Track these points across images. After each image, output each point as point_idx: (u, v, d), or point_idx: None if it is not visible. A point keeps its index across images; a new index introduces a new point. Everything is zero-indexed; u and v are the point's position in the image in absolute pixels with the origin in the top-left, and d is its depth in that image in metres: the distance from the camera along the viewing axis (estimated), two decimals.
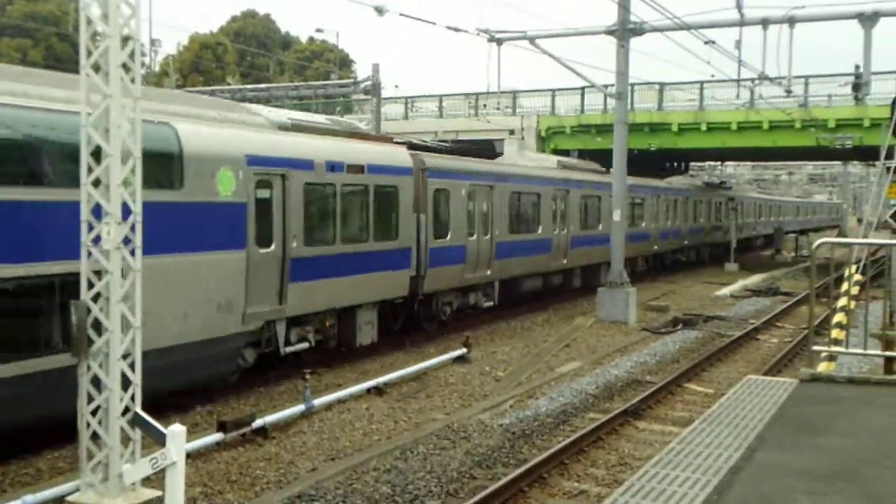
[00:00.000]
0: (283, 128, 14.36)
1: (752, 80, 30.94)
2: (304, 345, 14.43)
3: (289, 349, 13.98)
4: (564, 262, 24.74)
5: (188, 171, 11.55)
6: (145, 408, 8.09)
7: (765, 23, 22.18)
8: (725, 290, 29.86)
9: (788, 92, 28.17)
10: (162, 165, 11.03)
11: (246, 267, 12.56)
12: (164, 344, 10.80)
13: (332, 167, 14.74)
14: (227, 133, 12.59)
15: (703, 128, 35.64)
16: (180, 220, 11.39)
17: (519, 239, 21.72)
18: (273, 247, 13.25)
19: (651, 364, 16.41)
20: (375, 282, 16.00)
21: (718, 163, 60.15)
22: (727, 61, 24.49)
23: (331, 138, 15.39)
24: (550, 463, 10.06)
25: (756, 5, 22.58)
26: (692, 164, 52.77)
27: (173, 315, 11.15)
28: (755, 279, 34.26)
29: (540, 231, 23.10)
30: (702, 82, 36.19)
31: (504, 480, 9.21)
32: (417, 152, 18.59)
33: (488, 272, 20.25)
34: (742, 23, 22.39)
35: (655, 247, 33.89)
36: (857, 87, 33.25)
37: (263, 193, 13.13)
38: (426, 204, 17.73)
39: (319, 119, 16.85)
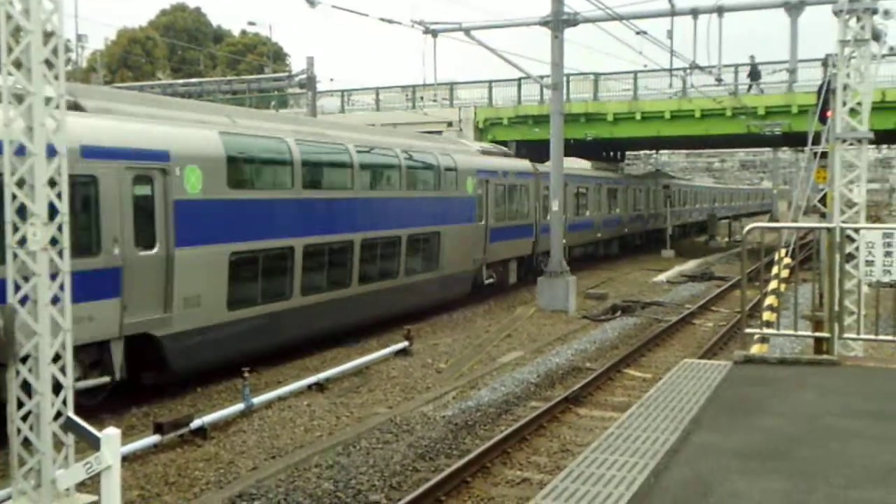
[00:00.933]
0: (483, 152, 24.57)
1: (684, 69, 31.47)
2: (491, 280, 23.81)
3: (486, 282, 23.40)
4: None
5: (459, 180, 21.33)
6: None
7: (695, 12, 22.55)
8: (662, 277, 30.39)
9: (719, 80, 28.73)
10: (450, 178, 20.73)
11: (474, 231, 22.11)
12: (451, 272, 20.76)
13: (505, 174, 24.37)
14: (467, 157, 22.46)
15: (638, 117, 36.11)
16: (454, 206, 21.07)
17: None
18: (483, 221, 22.63)
19: (591, 351, 16.62)
20: (518, 244, 25.36)
21: (653, 151, 61.12)
22: (660, 51, 24.87)
23: (496, 157, 25.01)
24: (493, 452, 10.12)
25: None
26: (627, 153, 53.49)
27: (454, 258, 20.81)
28: (691, 265, 34.96)
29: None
30: (635, 72, 36.65)
31: (447, 472, 9.23)
32: (534, 163, 27.35)
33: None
34: (673, 13, 22.73)
35: (598, 234, 34.56)
36: (753, 76, 34.37)
37: (480, 191, 22.39)
38: (539, 196, 26.67)
39: (488, 146, 27.06)
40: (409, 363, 15.29)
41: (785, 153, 71.38)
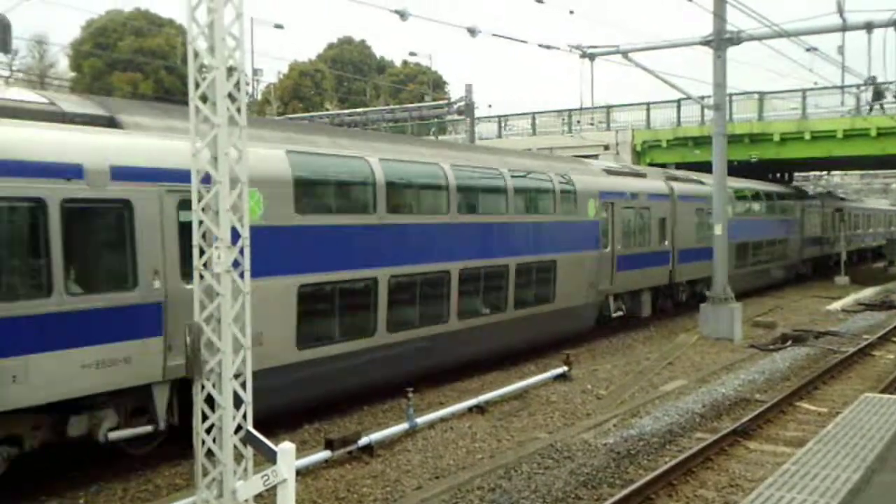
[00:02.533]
0: (608, 171, 22.09)
1: (858, 86, 29.85)
2: (620, 312, 21.71)
3: (613, 315, 21.34)
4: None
5: (578, 202, 19.40)
6: None
7: (869, 27, 21.40)
8: (836, 305, 28.74)
9: None
10: (568, 200, 19.04)
11: (598, 260, 20.02)
12: (566, 305, 18.73)
13: (633, 195, 22.04)
14: (590, 178, 20.45)
15: (807, 137, 34.53)
16: (571, 231, 19.06)
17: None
18: (608, 248, 20.63)
19: (760, 382, 15.90)
20: (651, 273, 23.00)
21: (824, 172, 58.14)
22: (830, 68, 23.68)
23: (625, 177, 22.57)
24: (658, 484, 9.85)
25: (858, 9, 21.75)
26: (796, 174, 51.11)
27: (571, 289, 18.91)
28: (868, 292, 32.87)
29: None
30: (804, 90, 35.12)
31: (610, 501, 9.06)
32: (669, 182, 25.06)
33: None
34: (844, 28, 21.65)
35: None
36: (877, 96, 31.98)
37: (604, 214, 20.47)
38: (675, 218, 24.39)
39: (613, 164, 24.55)
40: (568, 388, 15.16)
41: None
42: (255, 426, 8.46)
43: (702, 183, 26.58)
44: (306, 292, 12.03)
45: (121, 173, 9.76)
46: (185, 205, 9.57)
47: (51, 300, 9.01)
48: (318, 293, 12.39)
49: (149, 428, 10.13)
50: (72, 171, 9.26)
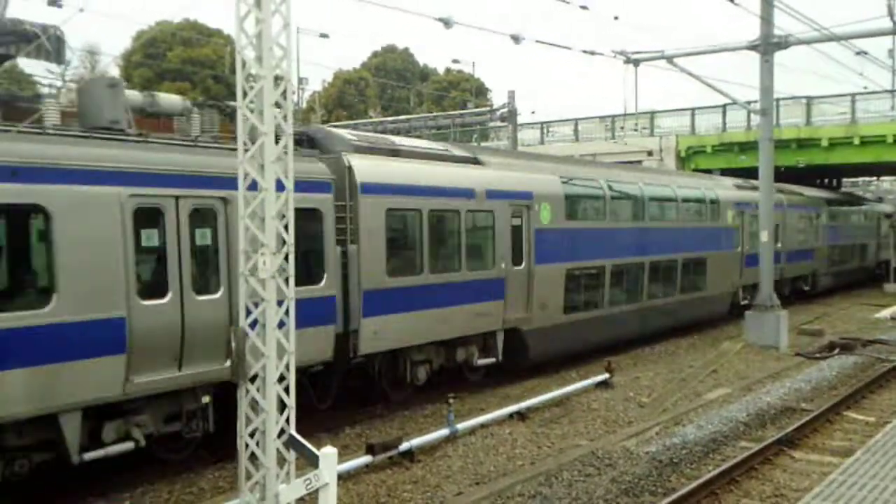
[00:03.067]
0: (737, 186, 26.55)
1: None
2: (745, 301, 24.80)
3: (742, 303, 25.06)
4: None
5: (721, 211, 24.30)
6: None
7: None
8: (885, 313, 28.14)
9: None
10: (715, 210, 24.03)
11: (732, 258, 24.92)
12: (714, 293, 23.75)
13: (756, 205, 23.24)
14: (727, 192, 25.30)
15: (856, 142, 33.96)
16: (719, 235, 24.12)
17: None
18: (739, 248, 25.32)
19: (806, 391, 15.65)
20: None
21: (874, 178, 57.04)
22: (881, 71, 23.27)
23: (748, 191, 26.11)
24: (701, 493, 9.77)
25: None
26: (844, 179, 50.22)
27: (717, 280, 23.79)
28: None
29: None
30: (853, 94, 34.56)
31: None
32: (778, 193, 27.24)
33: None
34: (895, 31, 21.27)
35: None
36: None
37: (738, 221, 25.25)
38: (784, 224, 28.53)
39: (739, 181, 27.57)
40: (610, 396, 15.08)
41: None
42: (304, 429, 8.57)
43: (802, 195, 31.75)
44: (569, 275, 17.44)
45: (489, 194, 15.32)
46: (517, 212, 15.99)
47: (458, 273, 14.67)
48: (575, 276, 17.75)
49: (492, 360, 15.68)
50: (471, 194, 14.87)
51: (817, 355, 19.58)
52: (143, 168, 9.82)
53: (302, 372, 11.21)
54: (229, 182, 9.69)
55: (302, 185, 10.00)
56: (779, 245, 26.54)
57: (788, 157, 33.91)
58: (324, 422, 12.12)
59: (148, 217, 9.83)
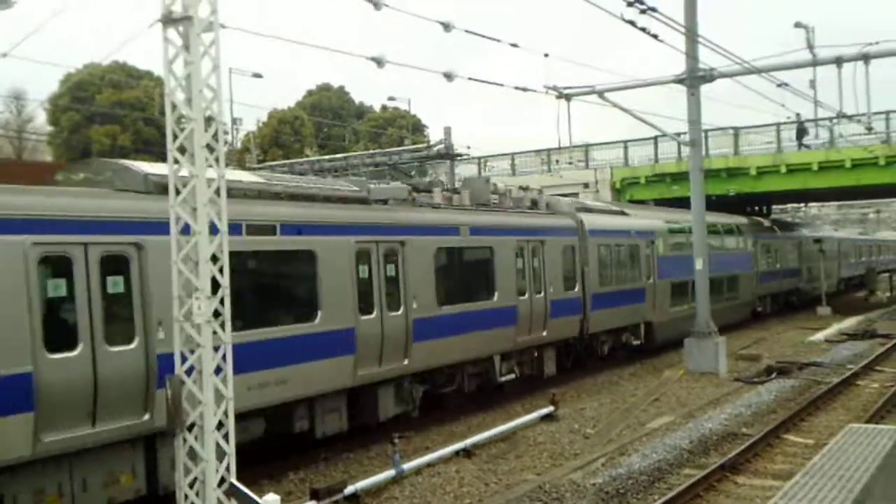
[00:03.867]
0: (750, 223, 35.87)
1: (830, 118, 30.31)
2: (760, 308, 35.09)
3: (758, 310, 34.69)
4: None
5: (746, 240, 33.83)
6: None
7: (839, 61, 21.76)
8: (819, 335, 28.87)
9: (869, 129, 27.47)
10: (742, 239, 33.50)
11: (751, 276, 33.63)
12: (741, 301, 32.42)
13: (771, 236, 37.73)
14: (747, 224, 34.62)
15: (783, 170, 35.00)
16: (743, 258, 33.06)
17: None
18: (755, 269, 34.14)
19: (746, 415, 15.88)
20: (775, 284, 37.52)
21: (801, 204, 58.77)
22: (803, 102, 24.04)
23: (758, 223, 37.09)
24: None
25: (829, 44, 22.19)
26: (774, 206, 51.68)
27: (745, 291, 32.90)
28: (850, 322, 33.07)
29: None
30: (778, 124, 35.64)
31: None
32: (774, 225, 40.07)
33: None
34: (815, 63, 22.03)
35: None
36: (800, 134, 33.78)
37: (753, 249, 34.66)
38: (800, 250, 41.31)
39: (759, 219, 38.83)
40: (555, 428, 15.09)
41: None
42: (245, 476, 8.37)
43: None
44: (672, 286, 24.97)
45: (636, 233, 23.79)
46: (648, 245, 24.26)
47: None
48: (674, 286, 25.08)
49: (638, 342, 23.84)
50: (628, 234, 23.23)
51: (755, 380, 19.93)
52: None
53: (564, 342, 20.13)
54: (143, 227, 9.66)
55: (565, 231, 20.20)
56: (778, 266, 37.75)
57: (719, 186, 34.74)
58: (266, 467, 11.85)
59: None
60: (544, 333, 18.83)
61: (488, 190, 19.37)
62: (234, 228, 10.19)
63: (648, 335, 23.78)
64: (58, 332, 9.20)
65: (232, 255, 8.76)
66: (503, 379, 17.41)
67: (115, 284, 9.85)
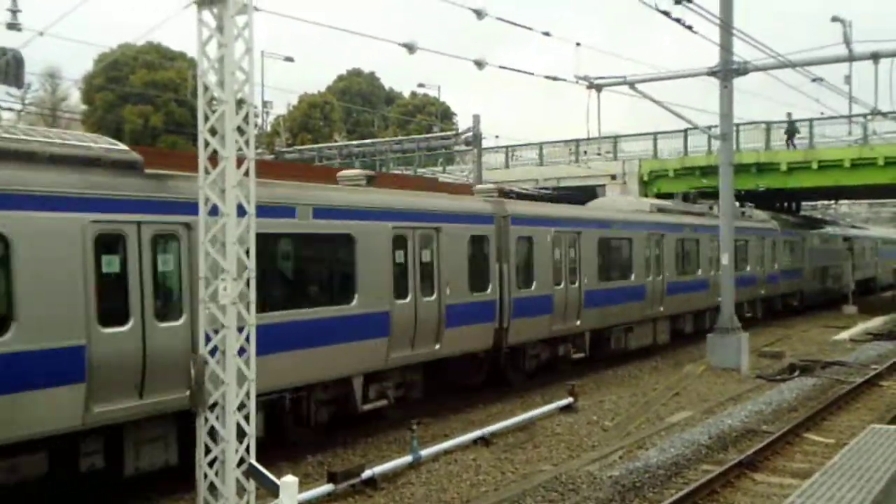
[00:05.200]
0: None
1: (865, 115, 29.94)
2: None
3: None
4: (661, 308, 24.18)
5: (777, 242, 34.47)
6: None
7: (875, 57, 21.49)
8: (844, 335, 28.58)
9: None
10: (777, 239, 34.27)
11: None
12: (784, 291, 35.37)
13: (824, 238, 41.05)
14: (769, 224, 33.87)
15: (814, 166, 34.60)
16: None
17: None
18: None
19: (767, 413, 15.80)
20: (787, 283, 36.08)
21: (832, 202, 58.11)
22: (837, 97, 23.75)
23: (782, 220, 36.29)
24: None
25: (865, 39, 21.90)
26: (803, 203, 51.17)
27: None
28: (876, 322, 32.70)
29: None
30: (811, 120, 35.25)
31: None
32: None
33: None
34: (851, 58, 21.77)
35: (762, 291, 32.62)
36: (790, 133, 33.98)
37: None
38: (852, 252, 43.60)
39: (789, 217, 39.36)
40: (574, 420, 15.10)
41: None
42: (264, 457, 8.47)
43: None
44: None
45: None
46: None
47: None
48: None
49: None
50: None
51: (777, 377, 19.80)
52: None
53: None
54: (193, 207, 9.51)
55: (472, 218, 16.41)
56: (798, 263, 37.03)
57: (749, 181, 34.44)
58: (285, 450, 11.97)
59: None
60: (437, 347, 14.89)
61: None
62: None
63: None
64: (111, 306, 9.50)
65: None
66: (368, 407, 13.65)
67: (166, 262, 10.21)
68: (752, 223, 31.79)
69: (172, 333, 10.03)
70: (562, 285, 18.87)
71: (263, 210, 9.63)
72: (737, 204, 29.88)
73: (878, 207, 75.85)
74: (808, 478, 7.61)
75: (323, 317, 12.46)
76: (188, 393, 8.46)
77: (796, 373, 20.21)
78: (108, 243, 9.59)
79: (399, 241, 14.09)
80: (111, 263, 9.61)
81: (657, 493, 10.97)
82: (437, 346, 14.81)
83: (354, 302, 13.04)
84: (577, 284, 19.42)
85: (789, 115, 35.71)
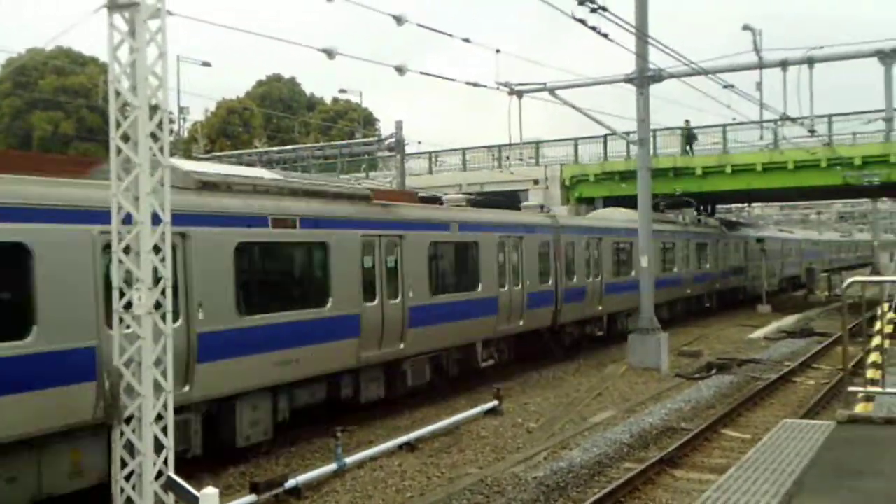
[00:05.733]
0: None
1: (775, 121, 31.00)
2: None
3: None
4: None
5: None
6: None
7: (784, 64, 22.31)
8: (759, 333, 29.50)
9: (812, 131, 28.14)
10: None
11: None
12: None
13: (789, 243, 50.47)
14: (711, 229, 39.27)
15: (728, 170, 35.58)
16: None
17: None
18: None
19: (686, 410, 16.19)
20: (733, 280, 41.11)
21: (745, 204, 59.95)
22: (748, 104, 24.53)
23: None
24: None
25: (775, 47, 22.71)
26: (718, 206, 52.63)
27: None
28: (789, 320, 33.85)
29: None
30: (724, 125, 36.23)
31: None
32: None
33: None
34: (761, 65, 22.52)
35: (688, 290, 33.73)
36: (688, 140, 37.08)
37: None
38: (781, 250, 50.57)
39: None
40: (499, 423, 15.19)
41: (885, 203, 68.94)
42: (183, 470, 8.28)
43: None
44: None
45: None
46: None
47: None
48: None
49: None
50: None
51: (696, 376, 20.31)
52: None
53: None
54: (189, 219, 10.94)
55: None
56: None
57: (666, 186, 35.19)
58: (205, 462, 11.72)
59: None
60: (521, 323, 19.99)
61: None
62: (262, 221, 12.41)
63: None
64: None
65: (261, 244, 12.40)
66: None
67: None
68: (700, 228, 36.79)
69: None
70: (590, 279, 24.01)
71: (430, 226, 16.75)
72: (695, 212, 37.14)
73: (789, 210, 78.67)
74: (725, 472, 7.80)
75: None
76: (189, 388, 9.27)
77: (713, 371, 20.77)
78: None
79: (500, 247, 19.38)
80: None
81: (581, 492, 11.12)
82: (521, 322, 20.12)
83: (479, 288, 18.26)
84: (599, 278, 24.58)
85: (687, 121, 36.80)
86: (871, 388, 11.16)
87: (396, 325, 15.22)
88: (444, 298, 16.73)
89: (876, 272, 62.30)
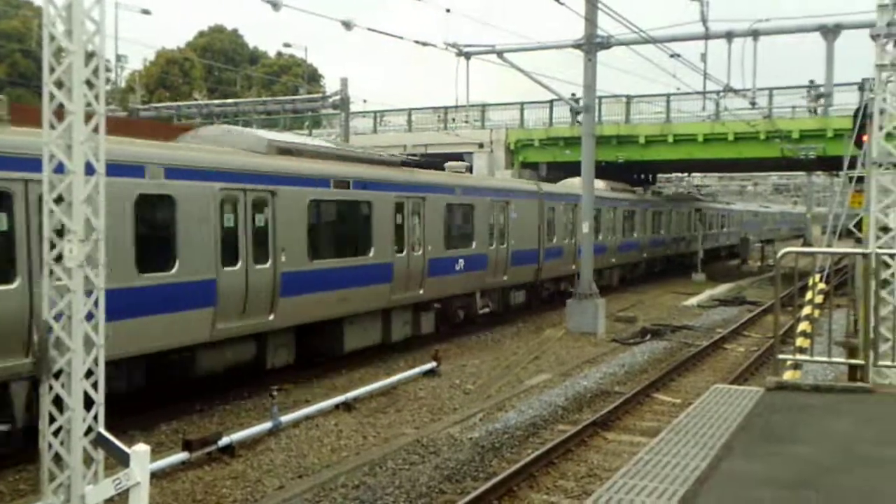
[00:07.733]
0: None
1: (718, 92, 31.34)
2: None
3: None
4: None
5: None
6: None
7: (729, 36, 22.43)
8: (693, 301, 30.10)
9: (753, 104, 28.52)
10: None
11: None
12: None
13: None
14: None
15: (670, 140, 35.97)
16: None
17: None
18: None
19: (620, 375, 16.48)
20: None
21: (685, 174, 60.82)
22: (693, 74, 24.73)
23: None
24: (520, 476, 10.06)
25: (721, 19, 22.87)
26: (659, 175, 53.30)
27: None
28: (722, 289, 34.60)
29: None
30: (668, 95, 36.52)
31: (473, 494, 9.19)
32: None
33: None
34: (707, 36, 22.61)
35: (645, 254, 36.69)
36: (577, 113, 35.89)
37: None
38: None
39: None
40: (436, 384, 15.27)
41: (819, 177, 70.59)
42: (115, 426, 8.12)
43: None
44: None
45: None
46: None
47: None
48: None
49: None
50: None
51: (631, 341, 20.67)
52: None
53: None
54: (275, 179, 13.83)
55: None
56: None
57: (609, 153, 35.46)
58: (137, 418, 11.55)
59: None
60: (505, 278, 22.69)
61: None
62: (326, 182, 15.19)
63: None
64: (229, 252, 12.82)
65: (325, 202, 15.05)
66: None
67: (260, 220, 13.40)
68: (655, 198, 40.23)
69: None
70: (566, 240, 26.57)
71: (445, 189, 19.77)
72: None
73: (727, 181, 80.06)
74: (657, 436, 7.94)
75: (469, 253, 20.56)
76: (273, 317, 13.32)
77: (648, 336, 21.16)
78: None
79: (490, 209, 21.72)
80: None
81: (515, 453, 11.25)
82: (505, 278, 22.64)
83: (473, 245, 20.71)
84: (573, 240, 26.46)
85: (573, 94, 36.68)
86: (799, 357, 11.47)
87: (418, 273, 18.12)
88: (452, 253, 19.53)
89: (807, 244, 63.97)
